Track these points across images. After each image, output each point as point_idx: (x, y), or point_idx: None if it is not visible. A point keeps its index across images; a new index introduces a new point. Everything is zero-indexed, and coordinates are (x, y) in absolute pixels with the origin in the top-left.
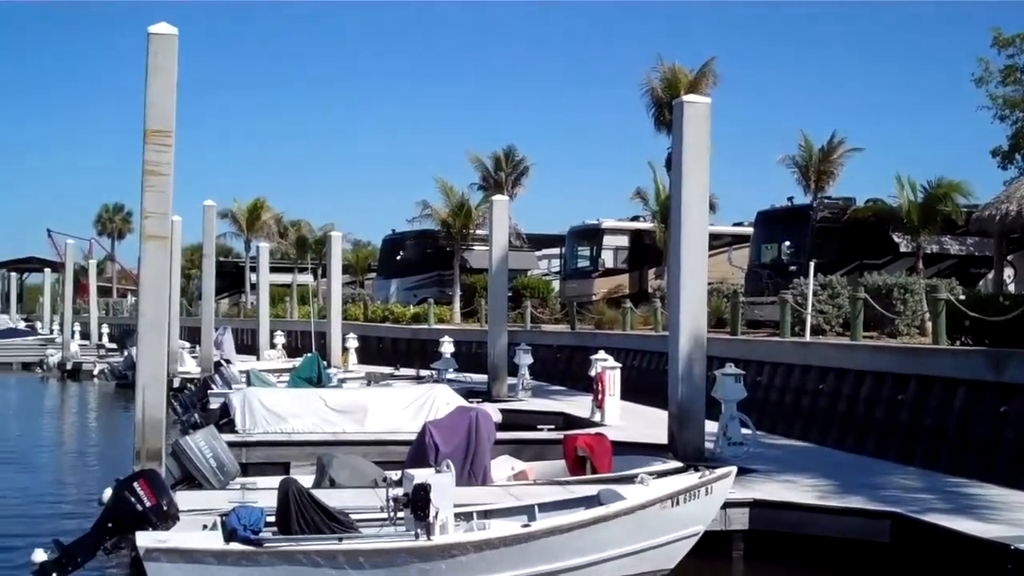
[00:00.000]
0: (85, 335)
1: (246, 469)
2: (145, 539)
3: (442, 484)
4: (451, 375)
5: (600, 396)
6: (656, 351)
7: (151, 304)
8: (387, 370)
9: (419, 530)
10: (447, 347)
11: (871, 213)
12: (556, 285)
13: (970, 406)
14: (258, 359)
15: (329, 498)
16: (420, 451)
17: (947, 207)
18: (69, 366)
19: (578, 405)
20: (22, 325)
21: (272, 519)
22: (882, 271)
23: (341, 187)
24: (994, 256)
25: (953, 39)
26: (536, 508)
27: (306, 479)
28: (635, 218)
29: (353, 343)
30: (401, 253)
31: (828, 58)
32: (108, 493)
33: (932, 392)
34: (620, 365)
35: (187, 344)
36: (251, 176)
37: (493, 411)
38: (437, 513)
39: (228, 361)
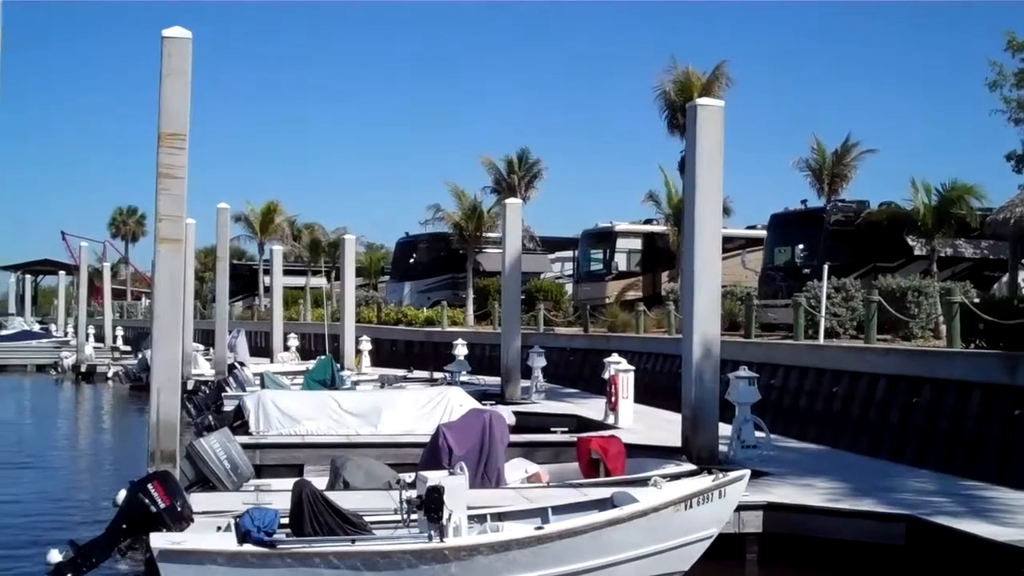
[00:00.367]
0: (99, 337)
1: (260, 471)
2: (159, 540)
3: (456, 486)
4: (464, 377)
5: (614, 399)
6: (669, 354)
7: (166, 307)
8: (400, 372)
9: (433, 532)
10: (460, 350)
11: (885, 216)
12: (569, 288)
13: (985, 409)
14: (272, 361)
15: (343, 500)
16: (434, 453)
17: (961, 210)
18: (83, 368)
19: (591, 408)
20: (37, 327)
21: (286, 521)
22: (896, 274)
23: (354, 190)
24: (1008, 259)
25: (968, 41)
26: (550, 510)
27: (320, 481)
28: (648, 221)
29: (367, 346)
30: (414, 256)
31: (841, 62)
32: (123, 495)
33: (947, 395)
34: (633, 368)
35: (201, 347)
36: (264, 179)
37: (507, 413)
38: (451, 515)
39: (242, 363)
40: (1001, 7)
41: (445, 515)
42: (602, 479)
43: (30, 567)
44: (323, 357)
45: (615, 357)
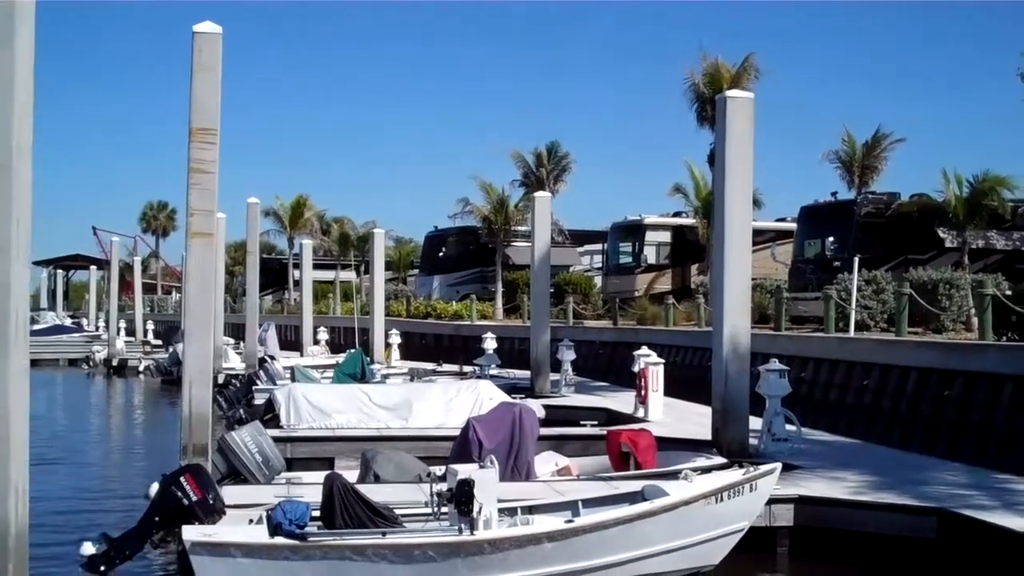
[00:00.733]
0: (130, 331)
1: (291, 464)
2: (191, 533)
3: (486, 479)
4: (494, 371)
5: (643, 392)
6: (699, 347)
7: (197, 301)
8: (430, 366)
9: (463, 525)
10: (490, 343)
11: (916, 208)
12: (598, 281)
13: (1017, 402)
14: (302, 355)
15: (373, 493)
16: (464, 446)
17: (993, 201)
18: (115, 362)
19: (621, 401)
20: (68, 322)
21: (317, 514)
22: (927, 266)
23: (383, 184)
24: None
25: (1000, 32)
26: (580, 504)
27: (350, 474)
28: (677, 214)
29: (396, 339)
30: (443, 250)
31: (871, 52)
32: (155, 488)
33: (978, 388)
34: (663, 361)
35: (231, 340)
36: (293, 174)
37: (536, 407)
38: (481, 508)
39: (272, 357)
40: None
41: (475, 508)
42: (632, 472)
43: (64, 560)
44: (353, 351)
45: (645, 350)
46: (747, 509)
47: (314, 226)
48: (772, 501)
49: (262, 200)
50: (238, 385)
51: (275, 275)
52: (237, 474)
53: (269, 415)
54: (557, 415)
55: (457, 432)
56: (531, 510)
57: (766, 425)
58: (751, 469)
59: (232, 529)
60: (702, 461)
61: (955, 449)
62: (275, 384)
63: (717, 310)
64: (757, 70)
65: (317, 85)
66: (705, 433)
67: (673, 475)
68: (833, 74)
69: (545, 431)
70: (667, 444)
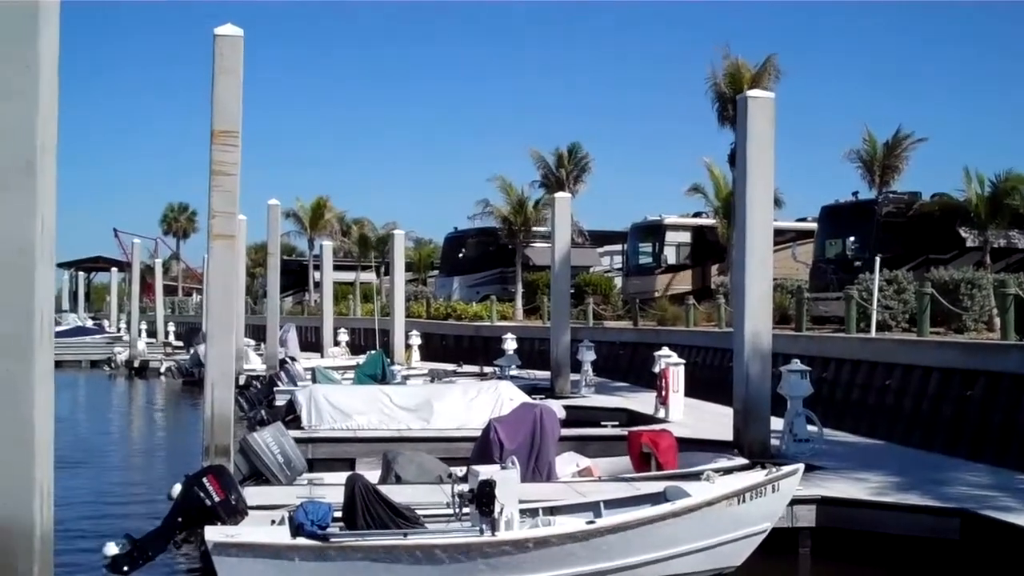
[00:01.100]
0: (152, 333)
1: (312, 465)
2: (214, 533)
3: (507, 480)
4: (514, 372)
5: (664, 392)
6: (720, 347)
7: (219, 302)
8: (450, 367)
9: (484, 526)
10: (510, 344)
11: (937, 207)
12: (618, 281)
13: None
14: (322, 356)
15: (395, 494)
16: (485, 447)
17: (1015, 201)
18: (136, 364)
19: (642, 401)
20: (90, 324)
21: (339, 514)
22: (948, 266)
23: (402, 186)
24: None
25: (1021, 32)
26: (602, 504)
27: (372, 475)
28: (697, 214)
29: (416, 340)
30: (463, 251)
31: (892, 51)
32: (177, 488)
33: (1001, 388)
34: (684, 361)
35: (252, 342)
36: (314, 176)
37: (557, 407)
38: (502, 509)
39: (293, 358)
40: None
41: (497, 509)
42: (654, 473)
43: (87, 560)
44: (373, 352)
45: (665, 351)
46: (769, 510)
47: (334, 228)
48: (794, 502)
49: (283, 202)
50: (259, 386)
51: (295, 277)
52: (259, 475)
53: (290, 416)
54: (577, 416)
55: (478, 433)
56: (552, 511)
57: (788, 426)
58: (773, 470)
59: (254, 530)
60: (724, 462)
61: (978, 450)
62: (296, 385)
63: (738, 310)
64: (778, 70)
65: (338, 86)
66: (726, 434)
67: (695, 476)
68: (853, 74)
69: (566, 432)
70: (688, 445)
